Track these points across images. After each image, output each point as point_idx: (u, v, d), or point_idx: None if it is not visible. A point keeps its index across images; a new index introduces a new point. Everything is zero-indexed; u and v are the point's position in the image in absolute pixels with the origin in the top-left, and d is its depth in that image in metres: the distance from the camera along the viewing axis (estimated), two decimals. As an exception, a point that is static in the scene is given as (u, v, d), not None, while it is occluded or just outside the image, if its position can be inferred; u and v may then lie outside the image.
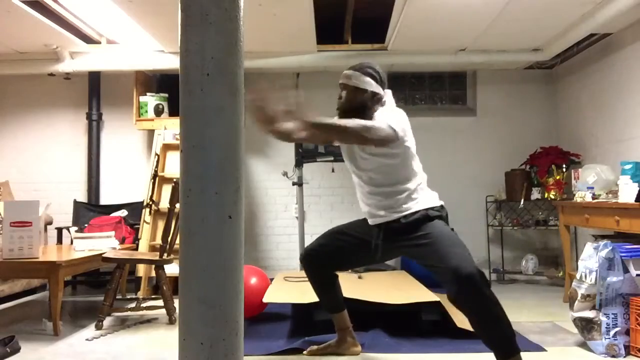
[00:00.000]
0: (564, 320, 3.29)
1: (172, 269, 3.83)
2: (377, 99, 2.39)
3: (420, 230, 2.23)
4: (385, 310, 2.93)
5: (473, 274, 2.00)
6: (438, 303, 2.99)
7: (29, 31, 4.21)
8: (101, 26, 4.37)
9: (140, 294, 4.38)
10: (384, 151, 2.25)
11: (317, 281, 2.64)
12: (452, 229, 2.29)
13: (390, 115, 2.26)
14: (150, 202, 4.61)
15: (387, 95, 2.44)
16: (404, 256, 2.49)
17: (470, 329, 2.89)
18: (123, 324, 3.48)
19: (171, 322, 3.47)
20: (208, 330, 1.34)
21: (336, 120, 2.23)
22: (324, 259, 2.57)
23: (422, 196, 2.32)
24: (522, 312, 3.71)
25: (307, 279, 2.71)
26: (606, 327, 2.65)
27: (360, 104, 2.37)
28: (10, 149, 5.36)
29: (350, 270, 3.84)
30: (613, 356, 2.63)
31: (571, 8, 3.82)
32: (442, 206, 2.35)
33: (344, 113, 2.40)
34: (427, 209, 2.28)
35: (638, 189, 3.13)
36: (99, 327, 3.33)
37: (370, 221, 2.41)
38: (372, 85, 2.38)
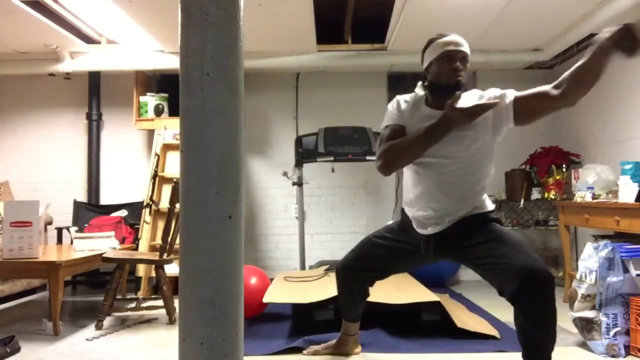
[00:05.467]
0: (564, 320, 3.27)
1: (172, 269, 3.83)
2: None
3: (484, 228, 2.11)
4: (385, 310, 2.93)
5: (548, 274, 1.88)
6: (438, 303, 2.99)
7: (29, 31, 4.21)
8: (101, 26, 4.36)
9: (140, 294, 4.37)
10: (489, 131, 2.08)
11: (350, 294, 2.52)
12: None
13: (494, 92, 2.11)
14: (150, 202, 4.61)
15: None
16: (457, 261, 2.29)
17: (471, 329, 2.91)
18: (123, 324, 3.48)
19: (171, 322, 3.47)
20: (208, 330, 1.34)
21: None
22: (363, 272, 2.42)
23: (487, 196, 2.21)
24: (522, 312, 3.71)
25: (306, 278, 2.73)
26: (606, 327, 2.65)
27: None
28: (10, 149, 5.36)
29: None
30: (613, 356, 2.63)
31: (571, 8, 3.82)
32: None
33: (461, 87, 2.11)
34: (490, 211, 2.19)
35: (638, 189, 3.13)
36: (99, 327, 3.33)
37: (430, 230, 2.17)
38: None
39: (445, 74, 2.10)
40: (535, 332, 1.93)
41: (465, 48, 2.12)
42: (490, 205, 2.21)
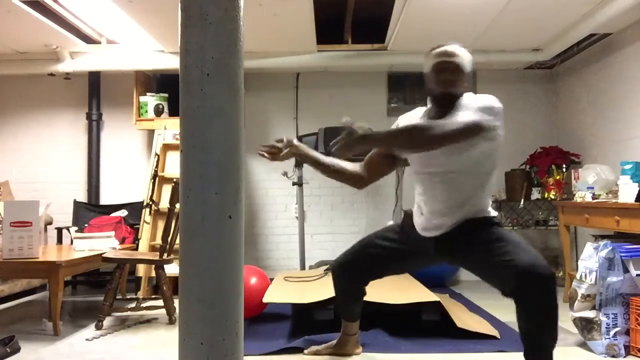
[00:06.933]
0: (564, 320, 3.25)
1: (172, 269, 3.83)
2: (469, 86, 2.17)
3: (485, 231, 2.11)
4: (385, 310, 2.93)
5: (550, 271, 1.88)
6: (438, 303, 2.99)
7: (29, 31, 4.21)
8: (101, 26, 4.37)
9: (140, 294, 4.37)
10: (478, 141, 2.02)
11: (345, 293, 2.53)
12: None
13: (482, 99, 2.04)
14: (150, 202, 4.61)
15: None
16: (457, 264, 2.33)
17: (471, 329, 2.91)
18: (123, 324, 3.48)
19: (171, 322, 3.47)
20: (208, 330, 1.34)
21: (437, 126, 1.94)
22: (358, 270, 2.43)
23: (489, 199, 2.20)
24: (522, 312, 3.71)
25: (306, 278, 2.73)
26: (606, 327, 2.65)
27: (462, 89, 2.11)
28: (10, 149, 5.36)
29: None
30: (613, 356, 2.63)
31: (571, 8, 3.82)
32: None
33: (446, 99, 2.11)
34: (492, 217, 2.18)
35: (638, 189, 3.12)
36: (99, 327, 3.33)
37: (432, 233, 2.19)
38: (469, 68, 2.14)
39: (435, 86, 2.13)
40: (536, 329, 1.94)
41: (458, 59, 2.11)
42: (492, 212, 2.22)
